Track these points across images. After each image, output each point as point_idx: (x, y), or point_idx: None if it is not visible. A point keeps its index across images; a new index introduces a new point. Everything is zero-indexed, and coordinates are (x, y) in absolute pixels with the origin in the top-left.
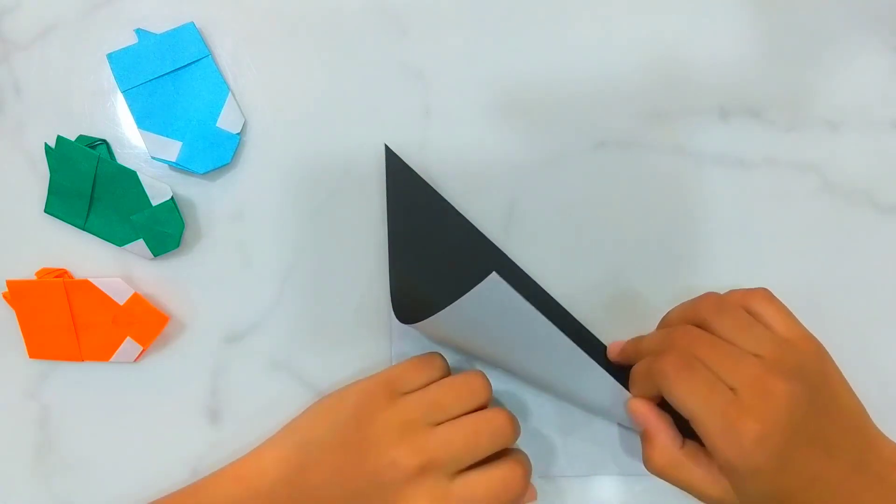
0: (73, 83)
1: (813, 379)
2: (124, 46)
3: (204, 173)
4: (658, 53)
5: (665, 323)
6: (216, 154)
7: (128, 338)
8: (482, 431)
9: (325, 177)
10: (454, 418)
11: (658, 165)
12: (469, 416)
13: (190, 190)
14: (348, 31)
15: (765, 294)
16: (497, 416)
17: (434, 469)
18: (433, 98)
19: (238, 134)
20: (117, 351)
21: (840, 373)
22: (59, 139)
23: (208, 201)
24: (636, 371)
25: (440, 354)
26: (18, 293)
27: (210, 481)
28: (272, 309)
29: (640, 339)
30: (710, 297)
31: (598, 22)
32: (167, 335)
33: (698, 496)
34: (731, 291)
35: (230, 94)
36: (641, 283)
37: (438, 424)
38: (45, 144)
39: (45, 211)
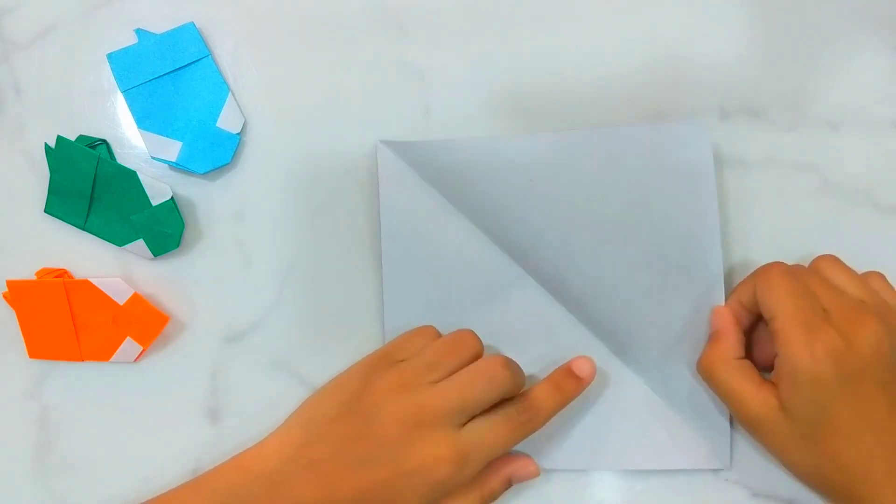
0: (73, 83)
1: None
2: (124, 46)
3: (204, 173)
4: (658, 53)
5: (735, 299)
6: (216, 154)
7: (128, 338)
8: (478, 380)
9: (325, 177)
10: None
11: None
12: (464, 368)
13: (190, 190)
14: (348, 31)
15: (831, 259)
16: (490, 364)
17: (437, 422)
18: (433, 98)
19: (238, 134)
20: (117, 351)
21: None
22: (59, 139)
23: (208, 201)
24: (762, 269)
25: (432, 326)
26: (18, 293)
27: (212, 473)
28: (272, 309)
29: (735, 289)
30: (777, 267)
31: (599, 22)
32: (167, 335)
33: (739, 408)
34: (796, 265)
35: (230, 94)
36: None
37: (437, 382)
38: (45, 144)
39: (45, 211)
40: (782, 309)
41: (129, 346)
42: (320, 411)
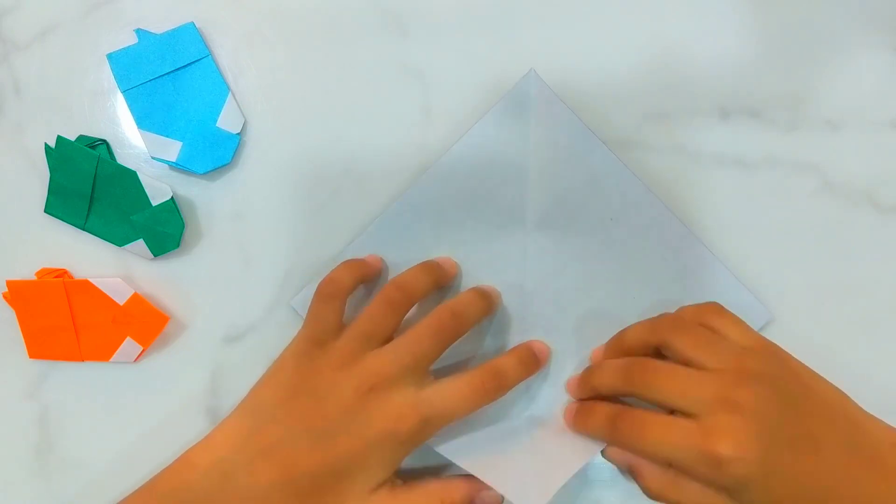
0: (73, 83)
1: (780, 380)
2: (124, 46)
3: (204, 173)
4: (658, 53)
5: (618, 342)
6: (216, 154)
7: (128, 338)
8: (424, 337)
9: (325, 177)
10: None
11: (658, 165)
12: (411, 328)
13: (190, 190)
14: (348, 31)
15: (716, 307)
16: (434, 319)
17: (394, 383)
18: (433, 98)
19: (238, 134)
20: (117, 351)
21: (807, 367)
22: (59, 139)
23: (208, 201)
24: (595, 422)
25: (330, 285)
26: (18, 293)
27: (159, 476)
28: (272, 309)
29: (592, 373)
30: (666, 317)
31: (599, 22)
32: (167, 335)
33: None
34: (683, 309)
35: (230, 94)
36: None
37: (380, 348)
38: (45, 144)
39: (45, 211)
40: (668, 459)
41: (129, 346)
42: (266, 398)
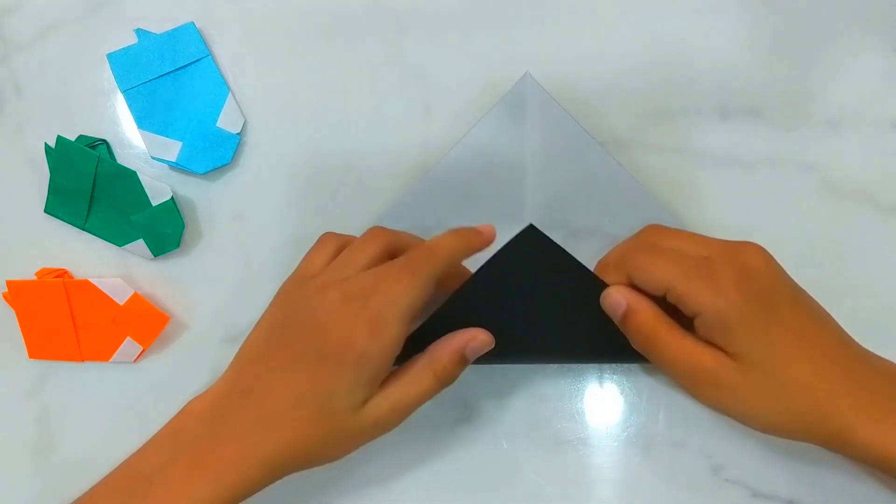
0: (73, 83)
1: (779, 264)
2: (124, 46)
3: (204, 173)
4: (658, 53)
5: (609, 260)
6: (216, 154)
7: (128, 338)
8: (389, 277)
9: (325, 177)
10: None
11: (658, 165)
12: (385, 264)
13: (190, 190)
14: (348, 31)
15: (657, 227)
16: (407, 261)
17: (353, 296)
18: (433, 98)
19: (238, 134)
20: (117, 351)
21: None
22: (59, 139)
23: (208, 201)
24: (605, 263)
25: (332, 232)
26: (18, 293)
27: (164, 426)
28: None
29: (605, 257)
30: (652, 226)
31: (599, 22)
32: (167, 335)
33: (692, 370)
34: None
35: (230, 94)
36: None
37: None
38: (45, 144)
39: (45, 211)
40: (673, 276)
41: (129, 346)
42: (253, 341)
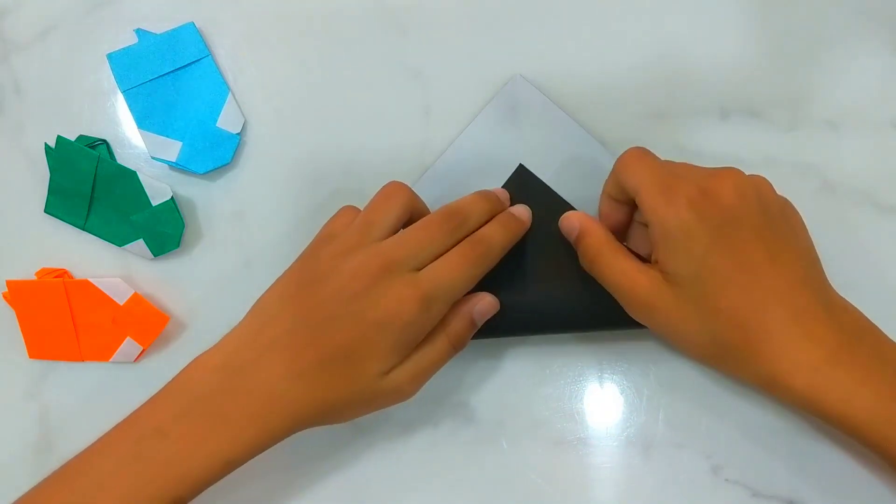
0: (73, 83)
1: (769, 199)
2: (124, 46)
3: (204, 173)
4: (658, 53)
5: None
6: (216, 154)
7: (128, 338)
8: (428, 225)
9: (325, 177)
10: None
11: None
12: (412, 226)
13: (190, 190)
14: (348, 32)
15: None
16: (441, 213)
17: (394, 268)
18: (433, 98)
19: (238, 134)
20: (117, 351)
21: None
22: (59, 139)
23: (208, 201)
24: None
25: (352, 208)
26: (18, 293)
27: (174, 378)
28: None
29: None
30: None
31: (599, 22)
32: (167, 335)
33: (629, 289)
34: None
35: (230, 94)
36: None
37: (382, 240)
38: (45, 144)
39: (45, 211)
40: (641, 181)
41: (129, 346)
42: (272, 297)
